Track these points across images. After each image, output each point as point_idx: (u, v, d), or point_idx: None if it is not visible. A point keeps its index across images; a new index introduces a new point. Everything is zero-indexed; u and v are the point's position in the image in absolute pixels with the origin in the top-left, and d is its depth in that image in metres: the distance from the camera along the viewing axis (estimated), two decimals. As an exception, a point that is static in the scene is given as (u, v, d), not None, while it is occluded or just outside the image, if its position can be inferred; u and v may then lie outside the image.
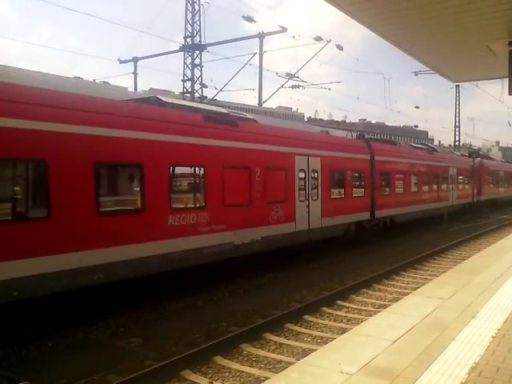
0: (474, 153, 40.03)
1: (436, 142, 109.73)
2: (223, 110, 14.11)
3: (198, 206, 11.82)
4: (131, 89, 35.24)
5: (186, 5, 36.26)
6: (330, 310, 10.73)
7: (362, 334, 6.19)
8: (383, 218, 21.10)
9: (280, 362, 7.75)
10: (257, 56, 33.27)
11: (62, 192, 8.77)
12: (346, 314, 10.50)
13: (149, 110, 11.02)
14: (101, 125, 9.49)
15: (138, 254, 10.06)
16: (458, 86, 58.99)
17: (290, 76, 33.08)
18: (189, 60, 35.90)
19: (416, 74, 43.56)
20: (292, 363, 6.82)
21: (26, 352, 8.18)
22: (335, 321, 10.09)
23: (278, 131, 15.44)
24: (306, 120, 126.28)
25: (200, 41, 35.87)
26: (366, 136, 25.35)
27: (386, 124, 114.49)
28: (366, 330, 6.43)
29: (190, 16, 36.19)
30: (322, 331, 9.38)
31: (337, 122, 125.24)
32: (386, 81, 50.86)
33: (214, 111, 13.47)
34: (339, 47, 32.43)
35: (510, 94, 10.20)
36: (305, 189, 15.70)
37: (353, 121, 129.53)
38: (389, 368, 4.96)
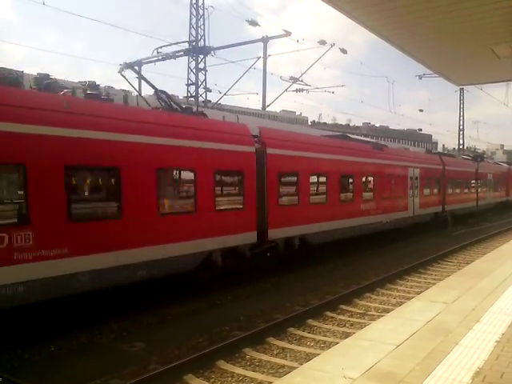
0: (477, 155, 39.69)
1: (440, 146, 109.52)
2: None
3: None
4: (135, 93, 35.30)
5: (191, 9, 36.46)
6: (334, 315, 10.70)
7: (365, 339, 6.16)
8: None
9: (283, 366, 7.73)
10: (261, 60, 33.33)
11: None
12: (350, 319, 10.46)
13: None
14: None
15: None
16: (462, 90, 58.86)
17: (294, 80, 33.10)
18: (193, 64, 36.04)
19: (420, 77, 43.47)
20: (295, 368, 6.79)
21: (29, 356, 8.19)
22: (338, 325, 10.06)
23: (400, 152, 25.46)
24: (309, 124, 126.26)
25: (204, 45, 35.98)
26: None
27: (390, 127, 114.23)
28: (370, 334, 6.41)
29: (194, 20, 36.35)
30: (326, 335, 9.36)
31: (341, 125, 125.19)
32: (390, 84, 50.83)
33: (374, 142, 23.30)
34: (343, 51, 32.45)
35: (514, 98, 10.20)
36: (412, 189, 23.75)
37: (357, 124, 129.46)
38: (392, 372, 4.94)
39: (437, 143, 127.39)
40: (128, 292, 10.42)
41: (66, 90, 10.25)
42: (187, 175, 11.95)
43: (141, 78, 16.31)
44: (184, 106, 13.56)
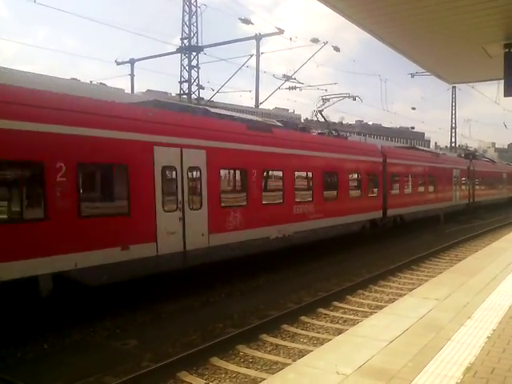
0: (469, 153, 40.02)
1: (432, 144, 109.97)
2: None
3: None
4: (128, 90, 35.26)
5: (184, 7, 36.33)
6: (327, 311, 10.75)
7: (358, 335, 6.21)
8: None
9: (276, 362, 7.77)
10: (253, 58, 33.34)
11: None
12: (343, 315, 10.52)
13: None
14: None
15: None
16: (454, 88, 59.22)
17: (287, 78, 33.13)
18: (186, 62, 35.95)
19: (413, 75, 43.60)
20: (288, 364, 6.82)
21: (22, 354, 8.17)
22: (331, 322, 10.11)
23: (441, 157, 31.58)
24: (302, 121, 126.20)
25: (197, 42, 35.91)
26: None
27: (383, 125, 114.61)
28: (362, 330, 6.45)
29: (187, 18, 36.24)
30: (319, 332, 9.40)
31: (334, 123, 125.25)
32: (383, 82, 51.01)
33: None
34: (336, 49, 32.53)
35: (505, 96, 10.26)
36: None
37: (350, 122, 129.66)
38: (384, 369, 4.98)
39: (429, 141, 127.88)
40: (121, 289, 10.40)
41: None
42: (360, 177, 20.29)
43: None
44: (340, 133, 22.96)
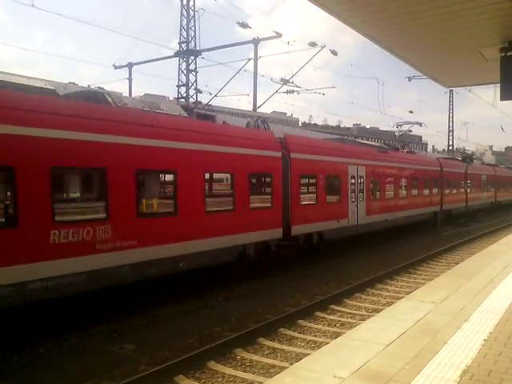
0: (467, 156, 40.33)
1: (430, 147, 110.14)
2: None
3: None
4: (126, 94, 35.27)
5: (181, 11, 36.39)
6: (324, 315, 10.74)
7: (355, 339, 6.20)
8: None
9: (274, 366, 7.76)
10: (251, 61, 33.37)
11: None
12: (340, 319, 10.52)
13: None
14: None
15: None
16: (451, 91, 59.36)
17: (285, 81, 33.16)
18: (184, 65, 36.00)
19: (410, 79, 43.68)
20: (285, 368, 6.81)
21: (18, 358, 8.14)
22: (329, 325, 10.10)
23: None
24: (300, 125, 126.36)
25: (195, 46, 35.97)
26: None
27: (380, 129, 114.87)
28: (359, 334, 6.45)
29: (184, 22, 36.31)
30: (316, 336, 9.40)
31: (331, 126, 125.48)
32: (380, 86, 51.12)
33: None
34: (333, 52, 32.57)
35: (502, 100, 10.27)
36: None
37: (347, 126, 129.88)
38: (382, 372, 4.98)
39: (427, 144, 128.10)
40: (118, 293, 10.39)
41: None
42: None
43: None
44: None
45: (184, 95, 36.13)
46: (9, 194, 8.50)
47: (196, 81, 35.91)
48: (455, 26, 8.92)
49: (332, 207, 18.02)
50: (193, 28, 36.11)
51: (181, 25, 36.33)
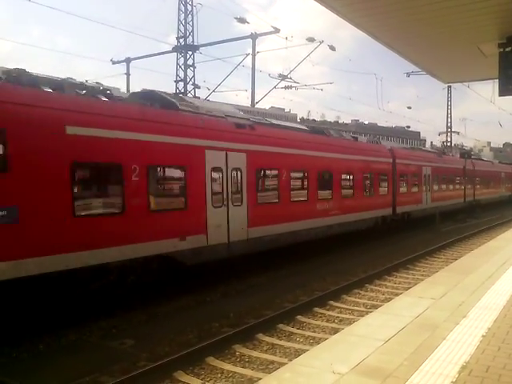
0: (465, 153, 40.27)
1: (428, 143, 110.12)
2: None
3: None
4: (123, 89, 35.18)
5: (179, 6, 36.25)
6: (323, 311, 10.76)
7: (353, 334, 6.22)
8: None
9: (272, 362, 7.77)
10: (249, 57, 33.30)
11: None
12: (338, 315, 10.54)
13: None
14: None
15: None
16: (449, 87, 59.30)
17: (283, 77, 33.12)
18: (181, 61, 35.90)
19: (408, 74, 43.65)
20: (284, 364, 6.84)
21: (17, 354, 8.14)
22: (327, 321, 10.12)
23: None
24: (298, 120, 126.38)
25: (193, 41, 35.87)
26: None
27: (379, 124, 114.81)
28: (358, 330, 6.46)
29: (182, 17, 36.19)
30: (315, 331, 9.41)
31: (329, 122, 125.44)
32: (379, 81, 51.11)
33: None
34: (332, 48, 32.50)
35: (500, 96, 10.28)
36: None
37: (345, 121, 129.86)
38: (380, 368, 4.99)
39: (425, 140, 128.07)
40: (117, 289, 10.39)
41: None
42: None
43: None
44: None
45: (182, 90, 36.05)
46: (118, 187, 10.22)
47: (194, 76, 35.84)
48: (454, 21, 8.91)
49: (414, 195, 25.89)
50: (191, 23, 36.00)
51: (179, 19, 36.21)
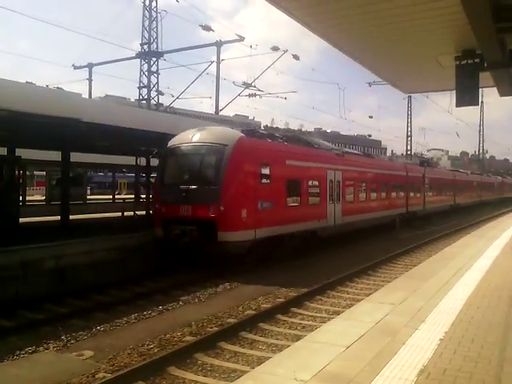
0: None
1: (389, 151, 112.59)
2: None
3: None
4: (85, 95, 34.57)
5: (144, 12, 36.04)
6: (285, 318, 10.77)
7: (315, 341, 6.25)
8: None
9: (235, 370, 7.71)
10: (214, 64, 33.32)
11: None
12: (301, 321, 10.56)
13: None
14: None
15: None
16: (410, 97, 61.04)
17: (247, 85, 33.28)
18: (145, 67, 35.60)
19: (370, 84, 44.57)
20: (247, 372, 6.79)
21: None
22: (290, 328, 10.14)
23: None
24: (262, 128, 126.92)
25: (157, 48, 35.64)
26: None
27: (341, 133, 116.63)
28: (320, 336, 6.50)
29: (147, 23, 35.93)
30: (277, 339, 9.40)
31: (293, 130, 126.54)
32: (341, 91, 51.95)
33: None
34: (295, 57, 32.95)
35: (457, 106, 10.62)
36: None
37: (309, 130, 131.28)
38: (342, 374, 5.03)
39: (386, 149, 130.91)
40: (75, 297, 10.15)
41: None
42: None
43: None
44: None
45: (145, 97, 35.72)
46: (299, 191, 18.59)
47: (158, 82, 35.69)
48: (414, 34, 9.16)
49: (416, 199, 33.43)
50: (155, 29, 35.84)
51: (143, 26, 35.98)
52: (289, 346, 7.34)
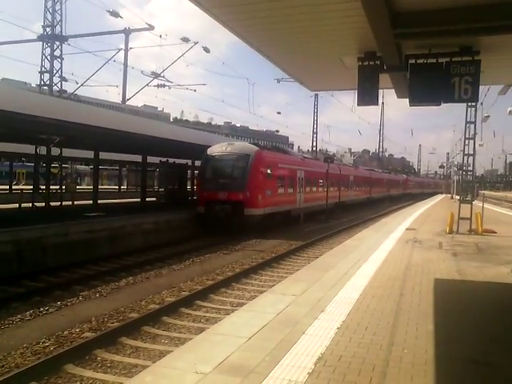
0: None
1: (296, 147, 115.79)
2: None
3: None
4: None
5: (46, -9, 33.84)
6: (189, 311, 10.71)
7: (217, 333, 6.26)
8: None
9: (136, 365, 7.54)
10: (122, 52, 32.24)
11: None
12: (205, 314, 10.56)
13: None
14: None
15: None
16: (316, 95, 63.11)
17: (156, 75, 32.58)
18: (48, 51, 33.54)
19: (278, 80, 45.66)
20: (148, 366, 6.66)
21: None
22: (194, 321, 10.09)
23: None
24: (171, 120, 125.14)
25: (61, 32, 33.69)
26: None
27: (250, 128, 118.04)
28: (222, 328, 6.53)
29: (50, 4, 33.82)
30: (181, 332, 9.32)
31: (203, 123, 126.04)
32: (251, 86, 52.58)
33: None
34: (206, 49, 32.73)
35: (358, 105, 11.08)
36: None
37: (218, 123, 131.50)
38: (243, 365, 5.08)
39: (293, 145, 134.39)
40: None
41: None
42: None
43: None
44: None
45: (47, 82, 33.71)
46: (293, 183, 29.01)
47: (61, 68, 33.75)
48: (319, 32, 9.39)
49: (335, 192, 38.89)
50: (59, 11, 33.80)
51: (45, 7, 33.79)
52: (192, 339, 7.30)
